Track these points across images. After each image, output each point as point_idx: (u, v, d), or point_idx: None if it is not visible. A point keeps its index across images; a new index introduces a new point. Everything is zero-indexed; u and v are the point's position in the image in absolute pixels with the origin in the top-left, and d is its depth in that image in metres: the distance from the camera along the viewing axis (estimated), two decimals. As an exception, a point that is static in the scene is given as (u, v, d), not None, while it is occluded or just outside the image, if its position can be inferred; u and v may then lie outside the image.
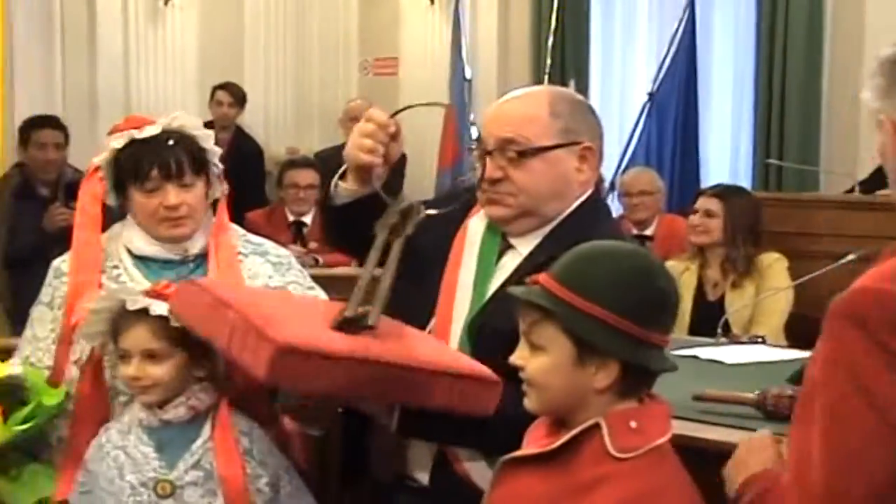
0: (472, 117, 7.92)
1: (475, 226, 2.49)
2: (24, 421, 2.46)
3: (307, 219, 6.67)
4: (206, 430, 2.43)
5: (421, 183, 7.85)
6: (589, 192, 2.47)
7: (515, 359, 1.94)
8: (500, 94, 8.18)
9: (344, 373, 2.03)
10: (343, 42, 9.24)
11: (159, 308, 2.37)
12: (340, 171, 2.51)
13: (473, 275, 2.42)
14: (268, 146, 8.52)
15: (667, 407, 1.94)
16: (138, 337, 2.40)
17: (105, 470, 2.39)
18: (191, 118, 2.70)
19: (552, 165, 2.38)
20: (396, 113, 2.40)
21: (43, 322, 2.69)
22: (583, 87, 7.56)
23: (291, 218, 6.66)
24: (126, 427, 2.43)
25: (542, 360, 1.89)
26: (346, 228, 2.55)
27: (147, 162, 2.59)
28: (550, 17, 7.94)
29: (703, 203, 5.05)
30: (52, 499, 2.51)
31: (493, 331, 2.24)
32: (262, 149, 8.33)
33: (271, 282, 2.69)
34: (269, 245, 2.80)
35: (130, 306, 2.39)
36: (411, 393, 2.09)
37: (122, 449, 2.40)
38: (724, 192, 5.14)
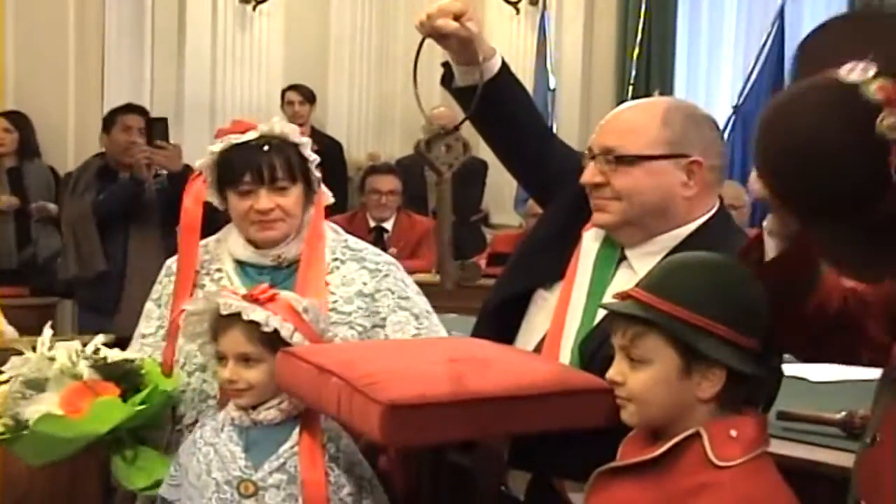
0: (554, 127, 7.89)
1: (589, 239, 2.46)
2: (142, 403, 2.51)
3: (388, 224, 6.72)
4: (295, 434, 2.44)
5: (501, 193, 7.85)
6: (713, 212, 2.41)
7: (614, 374, 1.93)
8: (584, 106, 8.20)
9: (457, 416, 2.02)
10: (427, 49, 9.23)
11: (252, 313, 2.40)
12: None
13: (586, 292, 2.39)
14: (349, 152, 8.58)
15: (765, 417, 1.93)
16: (233, 340, 2.42)
17: (195, 465, 2.42)
18: (291, 126, 2.73)
19: (654, 175, 2.32)
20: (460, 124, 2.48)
21: (150, 319, 2.76)
22: (669, 97, 7.51)
23: (372, 223, 6.71)
24: (220, 424, 2.46)
25: (645, 373, 1.88)
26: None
27: (240, 165, 2.63)
28: (636, 28, 7.92)
29: None
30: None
31: (604, 353, 2.16)
32: (342, 146, 8.38)
33: (365, 288, 2.68)
34: (369, 251, 2.79)
35: (224, 311, 2.42)
36: (523, 421, 2.08)
37: (213, 446, 2.43)
38: None
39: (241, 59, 8.62)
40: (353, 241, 2.80)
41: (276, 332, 2.38)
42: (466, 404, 2.01)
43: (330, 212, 2.79)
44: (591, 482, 1.96)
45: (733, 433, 1.83)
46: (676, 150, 2.33)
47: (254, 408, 2.43)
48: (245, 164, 2.63)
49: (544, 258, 2.49)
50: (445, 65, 2.59)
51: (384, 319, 2.68)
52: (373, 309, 2.68)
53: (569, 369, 2.23)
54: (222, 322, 2.44)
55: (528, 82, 8.09)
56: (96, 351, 2.57)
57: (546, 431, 2.10)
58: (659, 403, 1.88)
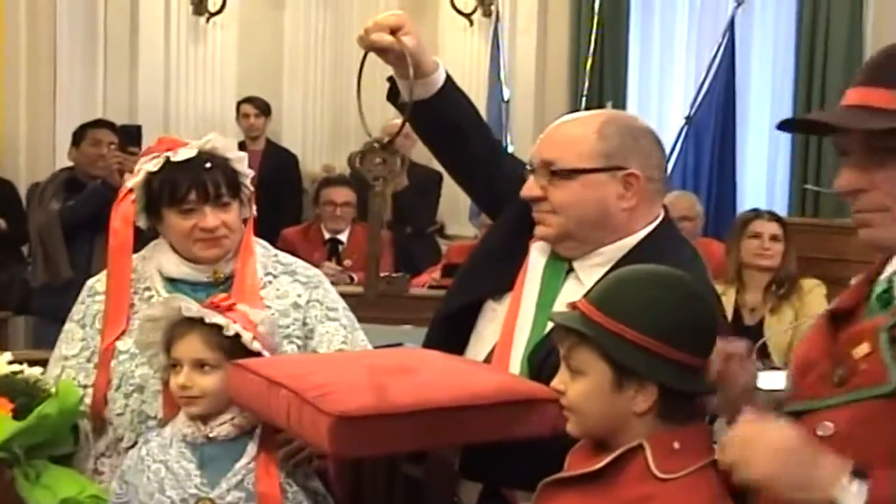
0: (509, 138, 7.92)
1: (536, 251, 2.47)
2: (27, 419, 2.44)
3: (343, 236, 6.70)
4: (251, 449, 2.42)
5: (456, 204, 7.86)
6: (657, 222, 2.41)
7: (556, 383, 1.94)
8: (538, 116, 8.23)
9: (407, 428, 2.02)
10: (381, 61, 9.25)
11: (214, 317, 2.39)
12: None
13: (535, 304, 2.39)
14: (304, 163, 8.56)
15: (710, 429, 1.92)
16: (190, 346, 2.41)
17: (145, 483, 2.39)
18: (225, 140, 2.74)
19: (590, 188, 2.33)
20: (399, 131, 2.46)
21: (72, 341, 2.70)
22: (612, 110, 7.55)
23: (327, 235, 6.69)
24: (167, 440, 2.43)
25: (581, 384, 1.89)
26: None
27: (184, 184, 2.60)
28: (589, 40, 7.96)
29: (767, 228, 5.07)
30: (76, 499, 2.48)
31: (553, 363, 2.16)
32: (297, 158, 8.37)
33: (300, 300, 2.68)
34: (298, 265, 2.78)
35: (186, 313, 2.40)
36: (473, 431, 2.08)
37: (164, 463, 2.40)
38: (779, 217, 5.21)
39: (195, 72, 8.59)
40: (283, 256, 2.80)
41: (234, 339, 2.38)
42: (416, 415, 2.01)
43: (285, 223, 2.82)
44: (537, 493, 1.96)
45: (676, 445, 1.83)
46: (612, 162, 2.34)
47: (205, 423, 2.41)
48: (189, 182, 2.59)
49: (493, 270, 2.50)
50: (391, 79, 2.58)
51: (312, 330, 2.68)
52: (304, 320, 2.68)
53: (518, 379, 2.24)
54: (178, 329, 2.42)
55: (481, 93, 8.15)
56: None
57: (496, 441, 2.10)
58: (595, 414, 1.88)
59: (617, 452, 1.85)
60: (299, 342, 2.66)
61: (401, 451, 2.21)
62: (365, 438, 1.99)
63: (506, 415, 2.08)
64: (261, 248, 2.76)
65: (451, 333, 2.50)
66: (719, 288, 5.00)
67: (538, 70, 8.48)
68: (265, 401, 2.17)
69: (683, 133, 7.25)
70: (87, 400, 2.61)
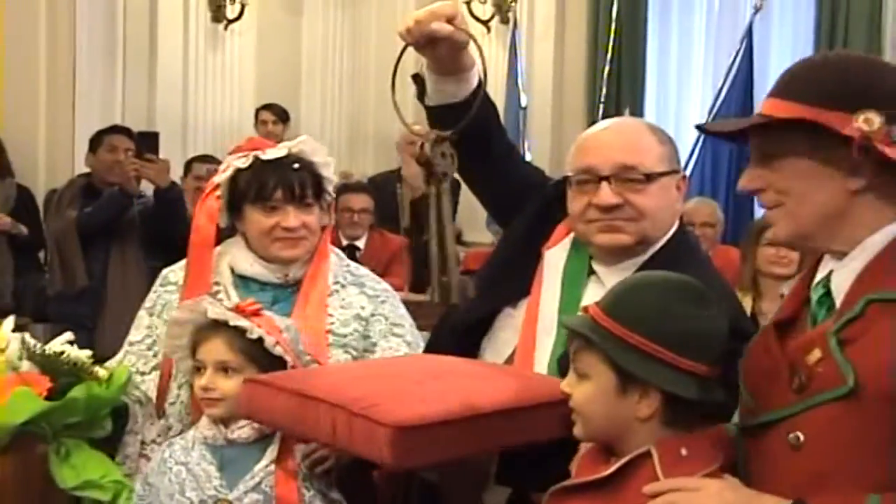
0: (527, 145, 7.92)
1: (554, 257, 2.46)
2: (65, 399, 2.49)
3: (360, 243, 6.70)
4: (270, 453, 2.43)
5: (474, 211, 7.86)
6: (678, 225, 2.44)
7: (564, 385, 1.94)
8: (555, 123, 8.19)
9: (462, 434, 2.01)
10: (399, 66, 9.26)
11: (238, 320, 2.41)
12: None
13: (557, 308, 2.39)
14: (322, 170, 8.58)
15: (717, 433, 1.91)
16: (214, 348, 2.42)
17: (167, 485, 2.40)
18: (315, 144, 2.75)
19: (665, 192, 2.37)
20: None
21: (139, 327, 2.74)
22: (637, 117, 7.54)
23: (345, 242, 6.68)
24: (190, 443, 2.45)
25: (586, 387, 1.90)
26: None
27: (272, 182, 2.64)
28: (607, 47, 7.96)
29: None
30: (97, 482, 2.53)
31: None
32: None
33: (363, 312, 2.69)
34: (369, 278, 2.80)
35: (211, 315, 2.43)
36: (522, 432, 2.08)
37: (185, 465, 2.41)
38: None
39: (213, 79, 8.62)
40: (356, 268, 2.82)
41: (257, 343, 2.39)
42: (470, 420, 2.00)
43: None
44: (545, 500, 1.97)
45: (684, 452, 1.83)
46: (674, 165, 2.40)
47: (226, 426, 2.43)
48: (277, 181, 2.63)
49: (510, 278, 2.49)
50: (417, 78, 2.54)
51: (374, 344, 2.69)
52: (365, 333, 2.69)
53: (554, 379, 2.21)
54: (203, 332, 2.44)
55: (499, 100, 8.14)
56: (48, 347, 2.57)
57: (542, 442, 2.09)
58: (599, 418, 1.89)
59: (625, 459, 1.85)
60: (355, 353, 2.66)
61: (456, 458, 2.19)
62: (424, 447, 1.98)
63: (551, 414, 2.06)
64: (335, 256, 2.79)
65: (465, 342, 2.49)
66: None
67: (556, 77, 8.49)
68: (299, 416, 2.13)
69: (701, 140, 7.22)
70: (144, 387, 2.66)
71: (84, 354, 2.58)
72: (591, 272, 2.41)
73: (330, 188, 2.74)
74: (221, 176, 2.70)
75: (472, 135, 2.44)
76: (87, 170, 6.33)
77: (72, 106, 7.86)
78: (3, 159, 7.10)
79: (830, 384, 1.71)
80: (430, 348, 2.58)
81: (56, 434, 2.51)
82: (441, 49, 2.39)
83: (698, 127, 2.18)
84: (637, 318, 1.85)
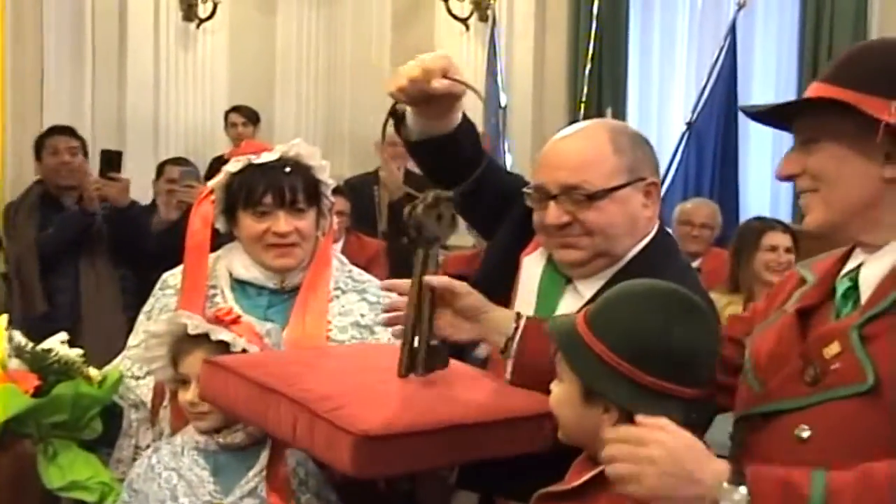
0: (506, 145, 7.92)
1: (531, 265, 2.46)
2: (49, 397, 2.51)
3: (337, 246, 6.66)
4: (264, 458, 2.45)
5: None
6: (655, 230, 2.42)
7: (552, 384, 1.95)
8: (536, 123, 8.18)
9: (432, 446, 2.00)
10: (375, 68, 9.28)
11: (220, 334, 2.42)
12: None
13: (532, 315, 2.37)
14: (297, 172, 8.57)
15: None
16: (197, 362, 2.42)
17: (156, 490, 2.42)
18: (309, 148, 2.78)
19: (622, 204, 2.34)
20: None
21: (137, 332, 2.76)
22: (620, 116, 7.56)
23: (321, 245, 6.68)
24: (179, 448, 2.46)
25: (559, 390, 1.93)
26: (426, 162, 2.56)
27: (262, 186, 2.66)
28: (588, 45, 7.96)
29: (782, 241, 5.07)
30: (84, 483, 2.54)
31: None
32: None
33: (363, 320, 2.72)
34: (371, 284, 2.81)
35: (192, 331, 2.43)
36: (497, 445, 2.06)
37: (176, 471, 2.43)
38: (789, 227, 5.19)
39: (185, 79, 8.58)
40: (358, 273, 2.84)
41: (240, 353, 2.41)
42: (442, 432, 1.99)
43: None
44: None
45: None
46: (636, 174, 2.36)
47: (218, 431, 2.44)
48: (267, 185, 2.66)
49: (491, 288, 2.46)
50: (394, 112, 2.49)
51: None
52: (369, 341, 2.70)
53: (526, 392, 2.20)
54: (185, 344, 2.46)
55: (478, 100, 8.15)
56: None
57: (516, 455, 2.08)
58: (569, 423, 1.91)
59: (594, 472, 1.85)
60: None
61: (422, 469, 2.20)
62: (389, 458, 1.96)
63: (529, 428, 2.07)
64: (337, 261, 2.82)
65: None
66: (726, 297, 5.00)
67: (536, 75, 8.49)
68: (257, 408, 2.12)
69: (685, 139, 7.24)
70: (139, 391, 2.67)
71: (75, 353, 2.61)
72: (569, 280, 2.40)
73: (328, 192, 2.77)
74: (215, 180, 2.73)
75: (455, 166, 2.45)
76: (37, 176, 6.25)
77: (39, 108, 7.82)
78: None
79: (848, 380, 1.72)
80: None
81: (44, 434, 2.53)
82: (437, 103, 2.37)
83: (742, 108, 2.15)
84: (611, 330, 1.85)
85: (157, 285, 2.83)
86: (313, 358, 2.49)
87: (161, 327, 2.50)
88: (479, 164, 2.40)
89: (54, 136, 6.09)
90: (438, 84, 2.29)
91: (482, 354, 2.58)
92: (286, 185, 2.67)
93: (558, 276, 2.41)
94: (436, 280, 2.16)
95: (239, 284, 2.74)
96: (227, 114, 8.20)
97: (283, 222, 2.66)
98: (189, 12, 8.54)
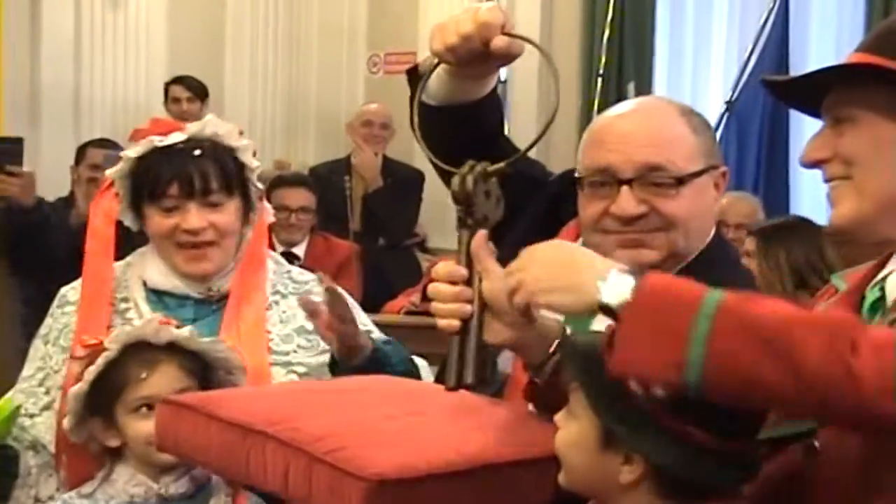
0: (506, 128, 7.92)
1: None
2: None
3: (299, 250, 6.71)
4: (214, 502, 2.48)
5: (441, 210, 7.88)
6: (711, 235, 2.45)
7: (557, 417, 1.94)
8: (542, 101, 8.19)
9: (454, 488, 1.97)
10: (348, 34, 9.33)
11: (198, 342, 2.48)
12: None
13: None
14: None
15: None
16: (168, 377, 2.44)
17: None
18: (226, 125, 2.78)
19: (700, 194, 2.37)
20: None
21: (33, 359, 2.78)
22: (645, 93, 7.55)
23: (280, 248, 6.68)
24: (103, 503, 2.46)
25: (570, 429, 1.90)
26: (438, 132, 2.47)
27: (164, 175, 2.67)
28: (606, 7, 7.97)
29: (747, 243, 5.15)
30: None
31: None
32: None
33: (308, 324, 2.69)
34: (315, 283, 2.82)
35: (157, 338, 2.46)
36: (517, 491, 2.04)
37: None
38: (764, 230, 5.22)
39: (113, 46, 8.61)
40: (297, 272, 2.90)
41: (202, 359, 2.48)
42: (466, 475, 1.97)
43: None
44: None
45: None
46: (712, 160, 2.40)
47: (155, 480, 2.45)
48: (171, 174, 2.66)
49: None
50: (413, 73, 2.50)
51: None
52: (319, 346, 2.71)
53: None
54: (142, 363, 2.45)
55: (472, 72, 8.18)
56: None
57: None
58: (579, 469, 1.88)
59: None
60: (302, 370, 2.71)
61: None
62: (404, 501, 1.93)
63: (549, 472, 2.03)
64: (272, 262, 2.85)
65: None
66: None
67: (542, 42, 8.49)
68: (238, 456, 2.09)
69: (724, 121, 7.26)
70: (34, 430, 2.67)
71: None
72: None
73: (253, 177, 2.77)
74: (114, 169, 2.73)
75: (478, 135, 2.44)
76: None
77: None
78: None
79: None
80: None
81: None
82: (483, 64, 2.37)
83: (763, 80, 2.15)
84: None
85: (55, 302, 2.82)
86: (296, 392, 2.50)
87: (115, 341, 2.48)
88: (497, 142, 2.43)
89: None
90: (500, 42, 2.26)
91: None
92: (195, 171, 2.66)
93: None
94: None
95: (156, 295, 2.75)
96: (167, 86, 8.24)
97: (193, 217, 2.66)
98: (119, -38, 8.57)
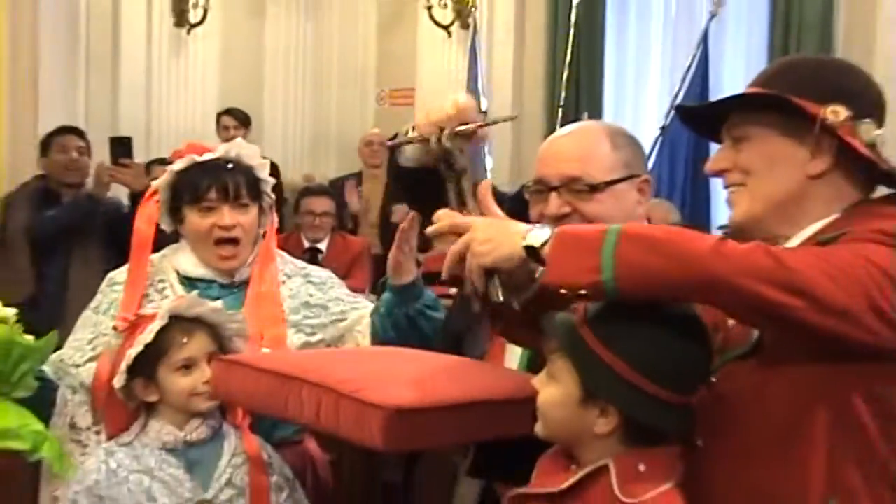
0: (486, 148, 7.91)
1: None
2: None
3: (322, 245, 6.69)
4: (227, 446, 2.48)
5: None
6: None
7: (535, 381, 1.92)
8: (515, 127, 8.15)
9: (455, 421, 1.98)
10: (361, 72, 9.29)
11: (220, 314, 2.49)
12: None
13: None
14: (285, 173, 8.56)
15: (677, 451, 1.87)
16: (201, 342, 2.45)
17: (126, 494, 2.38)
18: (250, 147, 2.82)
19: (618, 199, 2.35)
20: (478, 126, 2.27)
21: (85, 325, 2.76)
22: (600, 122, 7.51)
23: (307, 244, 6.67)
24: (139, 452, 2.44)
25: (552, 390, 1.87)
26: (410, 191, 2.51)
27: (206, 182, 2.69)
28: (565, 52, 7.97)
29: None
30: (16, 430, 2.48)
31: None
32: (279, 168, 8.36)
33: (312, 299, 2.76)
34: (311, 268, 2.89)
35: (189, 312, 2.46)
36: (511, 424, 2.03)
37: (146, 473, 2.40)
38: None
39: (176, 83, 8.60)
40: (297, 262, 2.90)
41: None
42: (465, 408, 1.98)
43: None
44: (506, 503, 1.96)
45: (641, 468, 1.81)
46: (632, 170, 2.38)
47: (180, 428, 2.44)
48: (210, 181, 2.69)
49: None
50: (393, 147, 2.43)
51: (344, 313, 2.78)
52: (324, 315, 2.76)
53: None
54: (180, 331, 2.44)
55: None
56: None
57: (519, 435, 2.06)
58: (559, 423, 1.87)
59: (582, 473, 1.84)
60: (308, 330, 2.73)
61: (445, 444, 2.21)
62: (418, 432, 1.94)
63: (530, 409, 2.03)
64: (279, 255, 2.84)
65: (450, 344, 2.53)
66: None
67: (515, 81, 8.52)
68: (279, 398, 2.09)
69: (658, 143, 7.23)
70: (79, 377, 2.64)
71: (10, 312, 2.56)
72: None
73: (268, 189, 2.80)
74: (160, 180, 2.75)
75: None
76: (39, 171, 6.25)
77: (34, 109, 7.80)
78: None
79: (736, 344, 1.89)
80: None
81: None
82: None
83: (678, 107, 2.23)
84: (615, 336, 1.81)
85: (104, 283, 2.82)
86: (322, 353, 2.55)
87: (162, 314, 2.46)
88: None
89: (64, 134, 6.10)
90: (471, 127, 2.21)
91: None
92: (230, 180, 2.69)
93: None
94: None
95: (188, 280, 2.74)
96: (218, 116, 8.20)
97: (227, 216, 2.69)
98: (180, 18, 8.55)
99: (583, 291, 1.77)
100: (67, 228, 5.70)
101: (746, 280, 1.68)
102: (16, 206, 6.02)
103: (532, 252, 1.83)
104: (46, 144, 6.10)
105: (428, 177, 2.29)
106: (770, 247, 1.75)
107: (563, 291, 1.79)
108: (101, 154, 6.40)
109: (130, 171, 5.51)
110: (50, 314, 5.39)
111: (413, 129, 2.33)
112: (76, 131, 6.21)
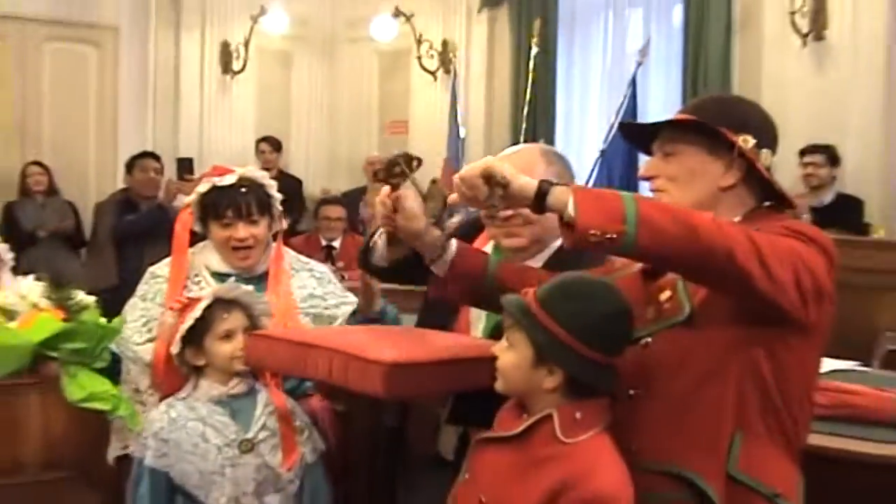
0: (464, 167, 7.90)
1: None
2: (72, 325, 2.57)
3: (336, 243, 6.68)
4: (260, 398, 2.48)
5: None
6: None
7: (495, 349, 1.89)
8: (487, 150, 8.15)
9: (443, 374, 1.96)
10: (366, 108, 9.23)
11: (252, 297, 2.49)
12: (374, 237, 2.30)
13: None
14: (307, 187, 8.57)
15: (607, 402, 1.85)
16: (237, 317, 2.46)
17: (185, 437, 2.38)
18: (260, 171, 2.78)
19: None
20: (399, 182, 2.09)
21: (133, 310, 2.72)
22: (550, 144, 7.55)
23: (324, 243, 6.68)
24: (193, 405, 2.44)
25: (510, 355, 1.85)
26: (388, 277, 2.46)
27: (224, 204, 2.67)
28: (525, 92, 7.96)
29: None
30: (99, 394, 2.55)
31: None
32: (302, 182, 8.36)
33: (315, 290, 2.75)
34: (313, 264, 2.87)
35: (228, 295, 2.46)
36: (477, 379, 1.98)
37: (200, 420, 2.41)
38: None
39: (223, 118, 8.56)
40: (302, 257, 2.87)
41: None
42: (451, 363, 1.97)
43: (290, 234, 2.90)
44: (472, 447, 1.96)
45: (578, 415, 1.80)
46: (564, 181, 2.28)
47: (224, 385, 2.46)
48: (228, 203, 2.67)
49: None
50: (367, 249, 2.32)
51: (336, 306, 2.75)
52: (322, 304, 2.73)
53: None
54: (220, 309, 2.45)
55: (443, 132, 8.17)
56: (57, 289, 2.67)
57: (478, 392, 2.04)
58: (515, 381, 1.85)
59: (530, 421, 1.83)
60: (312, 316, 2.70)
61: (433, 394, 2.18)
62: (411, 383, 1.91)
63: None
64: (286, 253, 2.81)
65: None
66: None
67: (487, 114, 8.48)
68: (300, 360, 2.06)
69: (598, 163, 7.23)
70: (140, 353, 2.62)
71: (91, 299, 2.65)
72: None
73: (276, 203, 2.75)
74: (190, 198, 2.73)
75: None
76: (123, 186, 6.30)
77: (114, 138, 7.91)
78: (51, 182, 7.06)
79: (672, 314, 1.85)
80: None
81: (66, 359, 2.55)
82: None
83: (622, 124, 2.21)
84: (561, 311, 1.79)
85: (147, 276, 2.77)
86: (334, 329, 2.53)
87: (208, 296, 2.48)
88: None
89: (145, 158, 6.20)
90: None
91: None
92: (242, 202, 2.66)
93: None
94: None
95: (217, 275, 2.71)
96: (257, 142, 8.18)
97: (241, 230, 2.66)
98: (226, 67, 8.54)
99: (611, 236, 1.64)
100: (143, 231, 5.72)
101: (737, 247, 1.65)
102: (104, 213, 6.07)
103: (540, 196, 1.74)
104: (131, 166, 6.16)
105: (399, 268, 2.25)
106: (744, 227, 1.73)
107: (592, 232, 1.65)
108: (167, 173, 6.46)
109: (192, 185, 5.51)
110: (126, 300, 5.43)
111: (381, 235, 2.23)
112: (153, 156, 6.28)
